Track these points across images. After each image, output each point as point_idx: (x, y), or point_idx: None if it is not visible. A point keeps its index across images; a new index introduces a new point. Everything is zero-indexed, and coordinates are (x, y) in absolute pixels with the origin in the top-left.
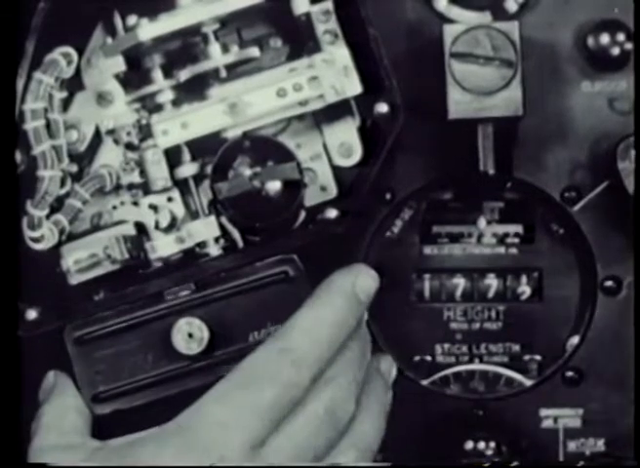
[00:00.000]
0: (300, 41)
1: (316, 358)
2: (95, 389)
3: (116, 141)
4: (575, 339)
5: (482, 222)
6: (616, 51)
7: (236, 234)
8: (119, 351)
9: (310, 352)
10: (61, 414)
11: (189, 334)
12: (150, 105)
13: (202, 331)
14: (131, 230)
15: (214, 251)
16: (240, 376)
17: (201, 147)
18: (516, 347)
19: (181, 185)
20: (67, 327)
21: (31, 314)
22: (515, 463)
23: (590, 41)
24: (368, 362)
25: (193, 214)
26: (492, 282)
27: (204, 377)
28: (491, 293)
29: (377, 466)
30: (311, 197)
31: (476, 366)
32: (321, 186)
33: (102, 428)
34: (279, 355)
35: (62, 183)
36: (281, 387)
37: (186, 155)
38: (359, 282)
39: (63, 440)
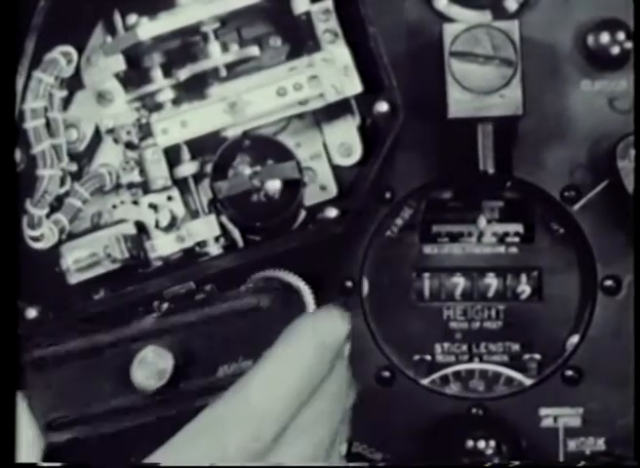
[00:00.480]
0: (300, 40)
1: (280, 412)
2: (50, 415)
3: (116, 140)
4: (574, 338)
5: (482, 221)
6: (615, 50)
7: (236, 233)
8: (75, 377)
9: (274, 407)
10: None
11: (150, 366)
12: (150, 104)
13: (166, 362)
14: (131, 229)
15: (214, 250)
16: (199, 428)
17: (201, 146)
18: (516, 346)
19: (181, 184)
20: (23, 347)
21: (31, 313)
22: (515, 463)
23: (590, 40)
24: (343, 408)
25: (193, 214)
26: (491, 281)
27: (166, 411)
28: (490, 293)
29: (377, 466)
30: (311, 196)
31: (476, 365)
32: (321, 185)
33: (57, 457)
34: (241, 408)
35: (62, 182)
36: (243, 441)
37: (186, 154)
38: (326, 328)
39: None
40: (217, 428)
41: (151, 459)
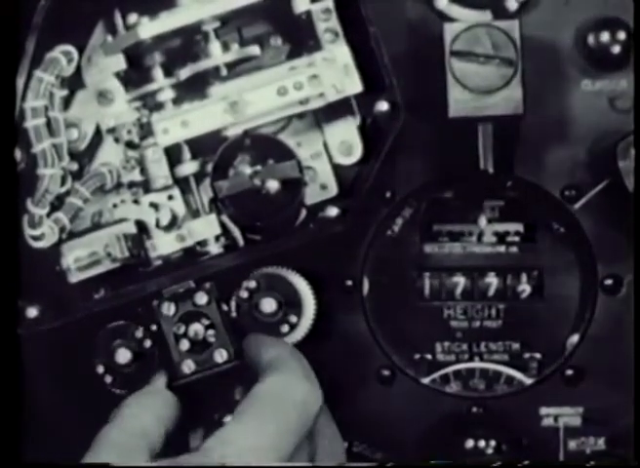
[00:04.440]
0: (301, 39)
1: None
2: None
3: (117, 140)
4: (575, 338)
5: (482, 221)
6: (616, 49)
7: (237, 232)
8: None
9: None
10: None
11: None
12: (151, 104)
13: None
14: (131, 228)
15: (214, 249)
16: None
17: (202, 146)
18: (516, 345)
19: (182, 184)
20: None
21: (31, 312)
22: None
23: (591, 39)
24: None
25: (194, 213)
26: (492, 280)
27: None
28: (491, 292)
29: (377, 466)
30: (312, 195)
31: (476, 364)
32: (321, 185)
33: None
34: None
35: (63, 182)
36: None
37: (187, 153)
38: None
39: None
40: None
41: None
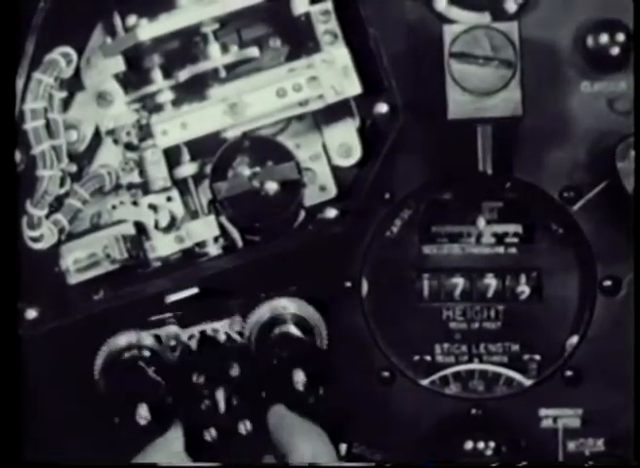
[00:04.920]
0: (300, 41)
1: None
2: None
3: (116, 141)
4: (574, 339)
5: (481, 222)
6: (615, 51)
7: (235, 234)
8: None
9: None
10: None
11: None
12: (150, 105)
13: None
14: (130, 230)
15: (213, 250)
16: None
17: (200, 147)
18: (515, 347)
19: (181, 185)
20: None
21: (31, 313)
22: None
23: (590, 41)
24: None
25: (193, 214)
26: (491, 282)
27: None
28: (490, 293)
29: (377, 466)
30: (311, 197)
31: (475, 365)
32: (320, 186)
33: None
34: None
35: (62, 183)
36: None
37: (186, 155)
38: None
39: None
40: None
41: None
